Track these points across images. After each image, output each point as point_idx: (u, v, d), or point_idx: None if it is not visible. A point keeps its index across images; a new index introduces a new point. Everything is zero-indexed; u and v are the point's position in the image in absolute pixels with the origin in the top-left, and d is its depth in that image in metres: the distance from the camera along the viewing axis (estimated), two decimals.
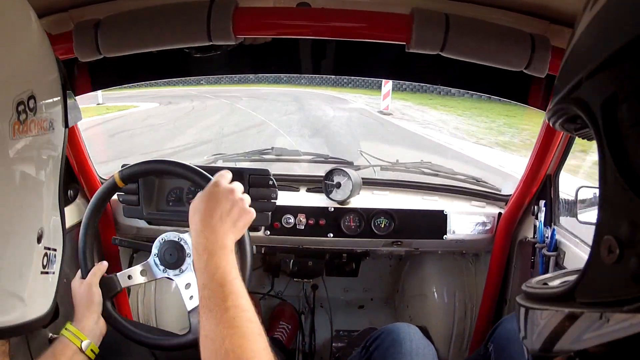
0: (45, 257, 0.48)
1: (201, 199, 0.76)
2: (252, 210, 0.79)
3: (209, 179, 0.82)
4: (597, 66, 0.33)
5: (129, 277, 1.02)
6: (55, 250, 0.50)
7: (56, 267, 0.51)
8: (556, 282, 0.45)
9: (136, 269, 1.01)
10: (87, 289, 0.96)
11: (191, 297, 0.98)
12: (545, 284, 0.44)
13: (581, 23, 0.39)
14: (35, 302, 0.47)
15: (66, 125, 0.51)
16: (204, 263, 0.68)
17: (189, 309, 0.97)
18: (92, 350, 0.90)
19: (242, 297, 0.66)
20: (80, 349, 0.88)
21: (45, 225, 0.47)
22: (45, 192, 0.47)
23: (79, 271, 1.01)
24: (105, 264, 1.00)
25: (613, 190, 0.32)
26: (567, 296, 0.36)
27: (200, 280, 0.68)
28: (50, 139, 0.47)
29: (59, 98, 0.49)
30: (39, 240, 0.46)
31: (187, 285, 1.00)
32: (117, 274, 1.02)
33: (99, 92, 10.31)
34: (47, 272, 0.48)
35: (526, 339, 0.42)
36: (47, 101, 0.45)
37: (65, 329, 0.90)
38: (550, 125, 0.43)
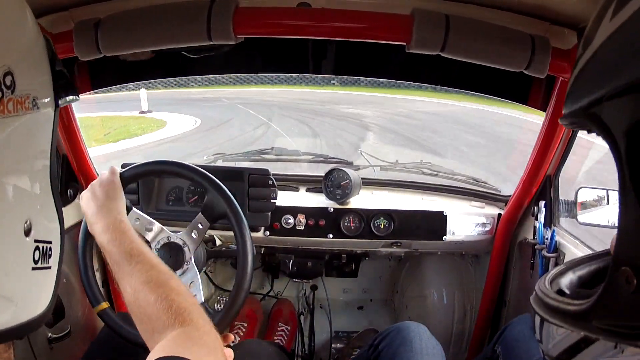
0: (37, 251, 0.43)
1: (85, 199, 0.78)
2: (105, 177, 0.83)
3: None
4: (624, 88, 0.32)
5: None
6: (50, 243, 0.46)
7: (53, 261, 0.47)
8: (566, 280, 0.44)
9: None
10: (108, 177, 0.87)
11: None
12: (560, 290, 0.43)
13: (601, 31, 0.37)
14: (29, 302, 0.43)
15: (56, 104, 0.47)
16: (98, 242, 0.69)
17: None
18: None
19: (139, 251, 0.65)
20: None
21: (34, 217, 0.42)
22: (32, 178, 0.43)
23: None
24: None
25: (634, 222, 0.31)
26: (583, 316, 0.36)
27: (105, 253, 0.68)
28: (34, 119, 0.42)
29: (44, 75, 0.45)
30: (27, 233, 0.41)
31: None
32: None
33: (143, 96, 9.20)
34: (41, 268, 0.44)
35: (542, 344, 0.42)
36: (28, 78, 0.41)
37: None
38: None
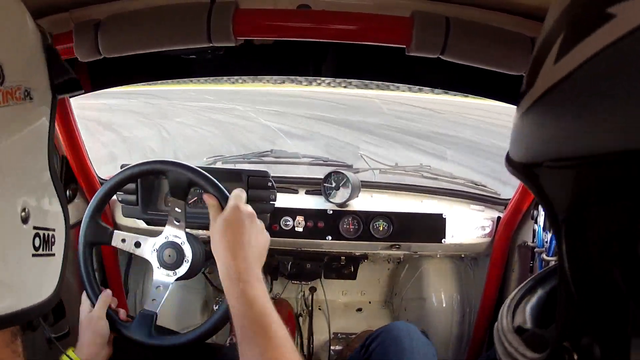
0: (38, 238, 0.43)
1: (226, 226, 0.78)
2: (267, 233, 0.83)
3: (227, 197, 0.85)
4: (571, 159, 0.27)
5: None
6: (52, 230, 0.46)
7: (57, 249, 0.47)
8: (530, 305, 0.42)
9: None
10: (93, 319, 0.93)
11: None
12: (519, 328, 0.40)
13: (543, 75, 0.31)
14: (30, 289, 0.43)
15: (53, 93, 0.47)
16: (240, 292, 0.69)
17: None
18: None
19: (283, 329, 0.67)
20: None
21: (32, 205, 0.42)
22: (27, 167, 0.43)
23: (84, 296, 0.97)
24: (109, 293, 0.97)
25: (570, 308, 0.30)
26: None
27: (238, 309, 0.69)
28: (28, 110, 0.42)
29: (38, 63, 0.44)
30: (24, 221, 0.41)
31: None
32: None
33: None
34: (42, 255, 0.44)
35: None
36: (19, 68, 0.40)
37: (67, 356, 0.87)
38: None
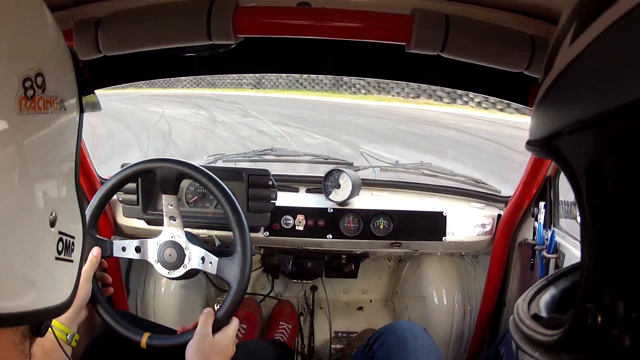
0: (61, 243, 0.45)
1: (216, 348, 0.90)
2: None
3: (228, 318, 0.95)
4: (584, 122, 0.31)
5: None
6: (73, 238, 0.48)
7: (75, 256, 0.48)
8: (545, 299, 0.44)
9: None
10: None
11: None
12: (536, 315, 0.42)
13: (560, 56, 0.35)
14: (50, 290, 0.44)
15: (81, 109, 0.49)
16: None
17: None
18: (75, 340, 0.92)
19: None
20: (67, 342, 0.90)
21: (59, 210, 0.44)
22: (57, 173, 0.45)
23: None
24: (98, 251, 0.97)
25: (595, 263, 0.32)
26: (553, 348, 0.36)
27: None
28: (62, 119, 0.45)
29: (70, 77, 0.47)
30: (52, 224, 0.43)
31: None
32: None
33: None
34: (63, 259, 0.46)
35: None
36: (57, 80, 0.43)
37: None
38: None
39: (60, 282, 0.46)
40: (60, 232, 0.45)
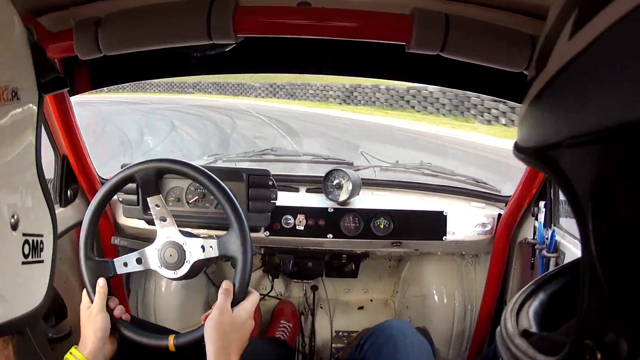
0: (27, 245, 0.42)
1: (232, 325, 0.88)
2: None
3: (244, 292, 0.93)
4: (592, 134, 0.25)
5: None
6: (40, 236, 0.45)
7: (46, 255, 0.46)
8: (533, 309, 0.41)
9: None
10: (93, 314, 0.93)
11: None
12: (525, 331, 0.38)
13: (557, 51, 0.29)
14: (21, 297, 0.42)
15: (40, 91, 0.46)
16: None
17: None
18: None
19: None
20: None
21: (21, 210, 0.41)
22: (16, 171, 0.42)
23: (84, 293, 0.97)
24: (104, 284, 0.97)
25: (597, 300, 0.28)
26: None
27: None
28: (16, 110, 0.41)
29: (25, 62, 0.44)
30: (14, 227, 0.40)
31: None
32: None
33: None
34: (32, 262, 0.43)
35: None
36: (7, 69, 0.40)
37: (70, 353, 0.88)
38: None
39: (30, 286, 0.44)
40: (24, 234, 0.42)
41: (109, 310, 0.96)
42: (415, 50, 0.86)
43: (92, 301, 0.95)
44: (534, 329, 0.38)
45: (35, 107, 0.45)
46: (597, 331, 0.27)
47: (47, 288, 0.46)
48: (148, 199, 0.99)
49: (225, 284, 0.91)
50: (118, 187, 1.01)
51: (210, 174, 0.97)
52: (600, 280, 0.27)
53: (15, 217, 0.41)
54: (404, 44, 0.86)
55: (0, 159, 0.39)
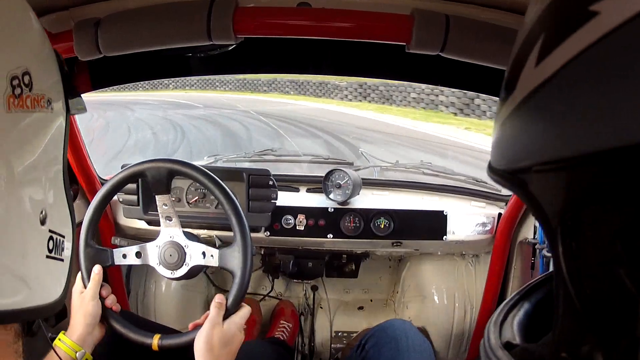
0: (52, 241, 0.45)
1: (232, 338, 0.89)
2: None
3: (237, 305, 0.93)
4: (558, 161, 0.26)
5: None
6: (63, 236, 0.48)
7: (66, 255, 0.49)
8: (518, 319, 0.41)
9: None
10: (85, 299, 0.94)
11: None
12: (508, 343, 0.38)
13: (525, 77, 0.29)
14: (42, 288, 0.44)
15: (67, 110, 0.50)
16: None
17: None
18: (86, 359, 0.90)
19: None
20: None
21: (49, 208, 0.45)
22: (46, 171, 0.45)
23: (79, 277, 0.98)
24: (100, 270, 0.97)
25: (571, 317, 0.29)
26: None
27: None
28: (49, 118, 0.46)
29: (56, 78, 0.48)
30: (42, 222, 0.44)
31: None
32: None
33: None
34: (54, 258, 0.46)
35: None
36: (43, 79, 0.44)
37: (59, 339, 0.89)
38: None
39: (51, 281, 0.47)
40: (50, 231, 0.45)
41: (101, 298, 0.96)
42: (415, 51, 0.86)
43: (85, 287, 0.96)
44: (517, 341, 0.38)
45: (64, 119, 0.50)
46: (572, 345, 0.28)
47: (64, 287, 0.49)
48: (157, 197, 0.99)
49: (219, 298, 0.91)
50: (128, 180, 1.02)
51: (225, 187, 0.97)
52: (572, 297, 0.28)
53: (44, 212, 0.44)
54: (404, 44, 0.86)
55: (35, 158, 0.43)
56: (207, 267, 1.01)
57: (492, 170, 0.34)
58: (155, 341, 0.94)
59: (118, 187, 1.02)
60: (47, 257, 0.45)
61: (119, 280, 1.53)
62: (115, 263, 1.00)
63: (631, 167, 0.22)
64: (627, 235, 0.24)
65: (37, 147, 0.44)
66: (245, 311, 0.94)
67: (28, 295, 0.42)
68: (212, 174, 0.98)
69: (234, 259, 0.94)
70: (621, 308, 0.25)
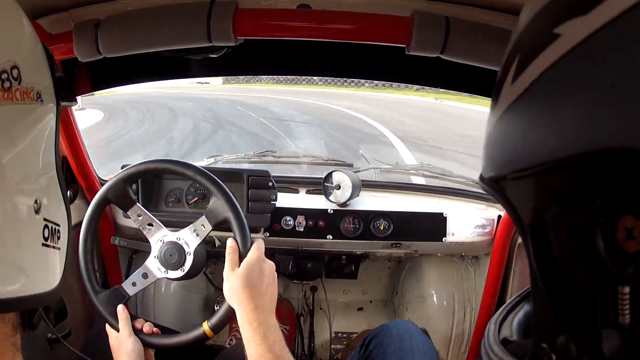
0: (47, 229, 0.46)
1: (249, 275, 0.84)
2: (276, 281, 0.90)
3: (247, 245, 0.90)
4: (525, 170, 0.30)
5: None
6: (58, 225, 0.48)
7: (62, 244, 0.49)
8: (518, 318, 0.43)
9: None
10: (123, 340, 0.94)
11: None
12: (505, 340, 0.41)
13: (505, 92, 0.33)
14: (38, 276, 0.45)
15: (58, 101, 0.50)
16: (261, 337, 0.78)
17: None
18: None
19: None
20: None
21: (43, 197, 0.45)
22: (39, 162, 0.46)
23: (108, 327, 0.97)
24: (122, 307, 0.97)
25: (544, 310, 0.32)
26: None
27: (257, 351, 0.77)
28: (39, 109, 0.46)
29: (45, 72, 0.49)
30: (36, 211, 0.44)
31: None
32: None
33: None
34: (50, 246, 0.46)
35: None
36: (32, 73, 0.45)
37: None
38: None
39: (48, 269, 0.47)
40: (45, 219, 0.46)
41: (138, 331, 0.96)
42: (415, 53, 0.86)
43: (117, 330, 0.95)
44: (514, 338, 0.40)
45: (55, 111, 0.50)
46: (550, 335, 0.31)
47: (61, 275, 0.49)
48: (128, 212, 0.99)
49: (230, 242, 0.90)
50: (99, 210, 1.02)
51: (176, 159, 0.98)
52: (543, 292, 0.31)
53: (38, 202, 0.45)
54: (404, 46, 0.86)
55: (27, 150, 0.44)
56: (209, 260, 1.00)
57: (480, 179, 0.37)
58: (206, 328, 0.94)
59: (96, 214, 1.02)
60: (43, 245, 0.45)
61: (118, 281, 1.53)
62: (130, 294, 1.00)
63: (583, 174, 0.26)
64: (581, 234, 0.27)
65: (28, 138, 0.44)
66: (257, 244, 0.90)
67: (26, 282, 0.42)
68: (159, 158, 1.00)
69: (220, 207, 0.93)
70: (582, 301, 0.28)
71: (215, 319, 0.93)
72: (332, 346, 1.78)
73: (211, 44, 0.85)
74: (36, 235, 0.44)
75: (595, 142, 0.24)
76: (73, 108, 1.19)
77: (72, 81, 1.08)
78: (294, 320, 1.79)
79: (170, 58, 1.03)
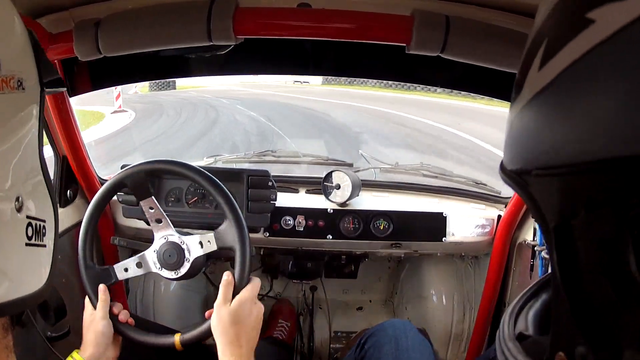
0: (30, 228, 0.44)
1: (243, 312, 0.87)
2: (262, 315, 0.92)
3: (246, 280, 0.91)
4: (555, 168, 0.26)
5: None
6: (43, 221, 0.47)
7: (48, 240, 0.47)
8: (533, 311, 0.41)
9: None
10: (95, 319, 0.94)
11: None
12: (521, 334, 0.39)
13: (529, 80, 0.30)
14: (24, 278, 0.43)
15: (42, 87, 0.49)
16: None
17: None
18: None
19: None
20: None
21: (25, 194, 0.44)
22: (21, 156, 0.44)
23: (87, 299, 0.97)
24: (105, 290, 0.97)
25: (565, 320, 0.29)
26: None
27: None
28: (21, 97, 0.44)
29: (29, 59, 0.47)
30: (18, 210, 0.42)
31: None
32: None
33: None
34: (35, 245, 0.45)
35: None
36: (12, 60, 0.43)
37: (71, 356, 0.89)
38: None
39: (33, 269, 0.45)
40: (28, 217, 0.44)
41: (114, 315, 0.96)
42: (415, 52, 0.86)
43: (94, 307, 0.95)
44: (530, 332, 0.38)
45: (38, 98, 0.48)
46: (568, 345, 0.28)
47: (48, 273, 0.48)
48: (141, 202, 0.99)
49: (227, 275, 0.90)
50: (111, 193, 1.02)
51: (201, 169, 0.97)
52: (565, 300, 0.28)
53: (20, 199, 0.43)
54: (404, 45, 0.86)
55: (6, 143, 0.42)
56: (208, 258, 1.00)
57: (501, 169, 0.34)
58: (177, 339, 0.94)
59: (104, 201, 1.02)
60: (27, 245, 0.44)
61: (119, 284, 1.53)
62: (119, 279, 1.00)
63: (619, 179, 0.22)
64: (612, 246, 0.24)
65: (8, 131, 0.42)
66: (254, 284, 0.91)
67: (9, 287, 0.41)
68: (186, 162, 0.99)
69: (230, 235, 0.93)
70: (607, 317, 0.26)
71: (189, 335, 0.93)
72: (331, 345, 1.78)
73: (211, 43, 0.84)
74: (18, 236, 0.43)
75: (635, 144, 0.21)
76: (72, 105, 1.18)
77: (73, 80, 1.08)
78: (294, 320, 1.79)
79: (170, 56, 1.03)
